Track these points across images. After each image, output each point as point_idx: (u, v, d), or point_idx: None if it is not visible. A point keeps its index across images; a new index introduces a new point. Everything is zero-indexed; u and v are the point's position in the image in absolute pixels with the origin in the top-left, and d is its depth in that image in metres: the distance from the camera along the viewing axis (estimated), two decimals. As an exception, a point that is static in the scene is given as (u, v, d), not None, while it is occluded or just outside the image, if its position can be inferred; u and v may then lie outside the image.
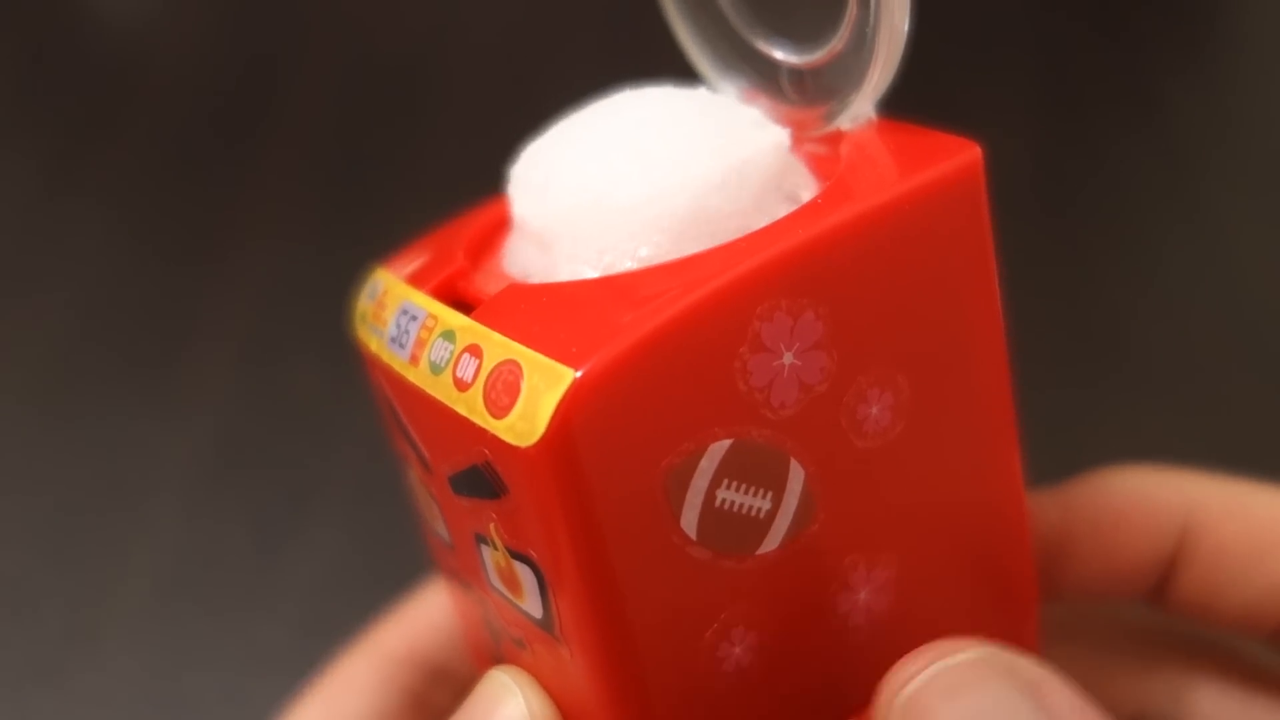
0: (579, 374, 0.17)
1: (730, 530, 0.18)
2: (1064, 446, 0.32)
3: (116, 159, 0.58)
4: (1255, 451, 0.42)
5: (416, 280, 0.21)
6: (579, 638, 0.18)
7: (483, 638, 0.22)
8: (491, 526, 0.19)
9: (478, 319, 0.19)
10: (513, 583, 0.19)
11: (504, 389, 0.17)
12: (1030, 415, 0.22)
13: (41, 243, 0.55)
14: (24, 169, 0.58)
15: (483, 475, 0.18)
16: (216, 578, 0.42)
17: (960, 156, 0.19)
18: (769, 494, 0.19)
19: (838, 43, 0.20)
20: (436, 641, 0.26)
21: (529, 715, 0.20)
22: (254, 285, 0.52)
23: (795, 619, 0.20)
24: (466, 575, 0.21)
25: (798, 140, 0.21)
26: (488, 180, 0.22)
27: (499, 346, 0.18)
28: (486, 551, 0.20)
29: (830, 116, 0.21)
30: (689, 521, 0.18)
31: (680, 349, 0.17)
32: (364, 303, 0.21)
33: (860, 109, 0.20)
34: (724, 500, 0.18)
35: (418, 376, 0.19)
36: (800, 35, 0.21)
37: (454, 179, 0.24)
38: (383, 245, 0.22)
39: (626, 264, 0.19)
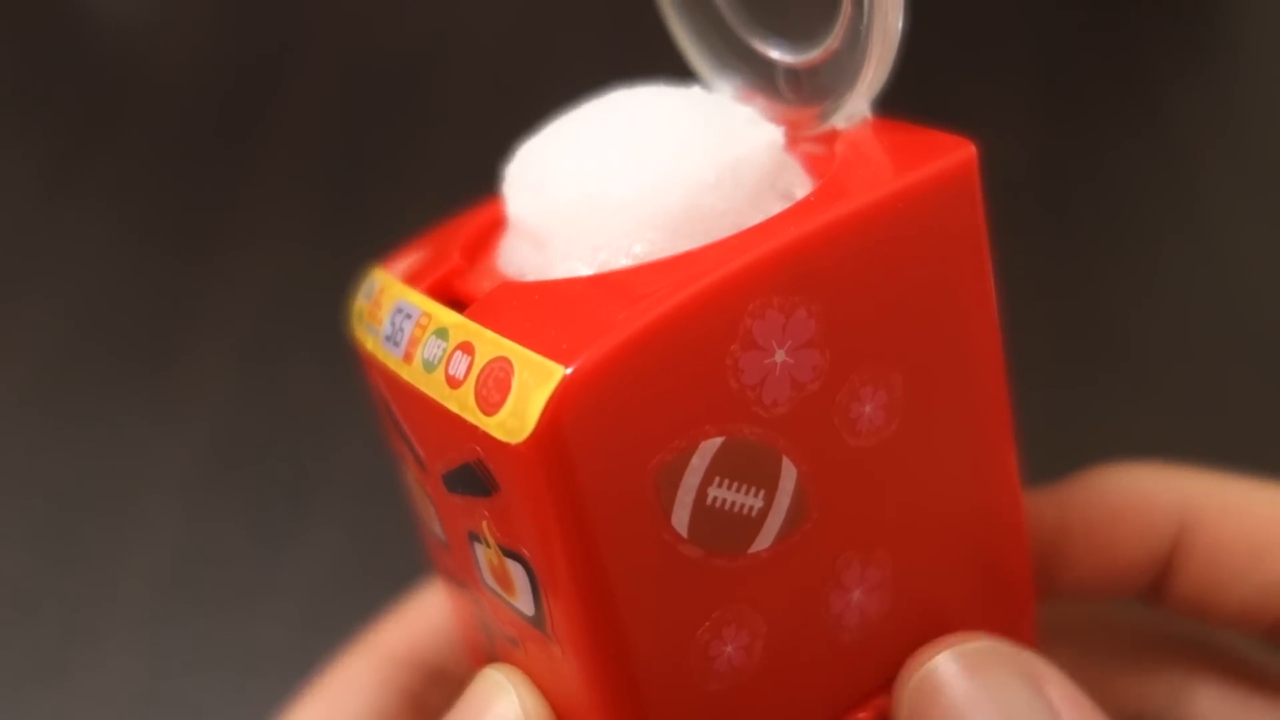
0: (569, 371, 0.17)
1: (722, 529, 0.18)
2: (1063, 446, 0.32)
3: (116, 160, 0.58)
4: (1254, 450, 0.42)
5: (412, 279, 0.21)
6: (570, 635, 0.18)
7: (478, 637, 0.22)
8: (484, 524, 0.19)
9: (470, 317, 0.19)
10: (505, 581, 0.19)
11: (495, 386, 0.17)
12: (1029, 414, 0.22)
13: (41, 243, 0.55)
14: (23, 169, 0.58)
15: (475, 473, 0.18)
16: (216, 578, 0.42)
17: (955, 155, 0.19)
18: (761, 492, 0.18)
19: (833, 42, 0.20)
20: (435, 642, 0.26)
21: (522, 713, 0.20)
22: (253, 285, 0.52)
23: (788, 618, 0.19)
24: (461, 574, 0.21)
25: (793, 139, 0.21)
26: (487, 181, 0.22)
27: (490, 344, 0.18)
28: (480, 549, 0.20)
29: (825, 115, 0.21)
30: (680, 519, 0.18)
31: (671, 346, 0.17)
32: (360, 302, 0.21)
33: (855, 108, 0.20)
34: (716, 498, 0.18)
35: (411, 374, 0.19)
36: (796, 34, 0.21)
37: (453, 179, 0.24)
38: (382, 246, 0.22)
39: (620, 262, 0.19)
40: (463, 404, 0.18)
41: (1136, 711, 0.25)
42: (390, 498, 0.26)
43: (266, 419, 0.47)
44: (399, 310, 0.20)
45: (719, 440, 0.18)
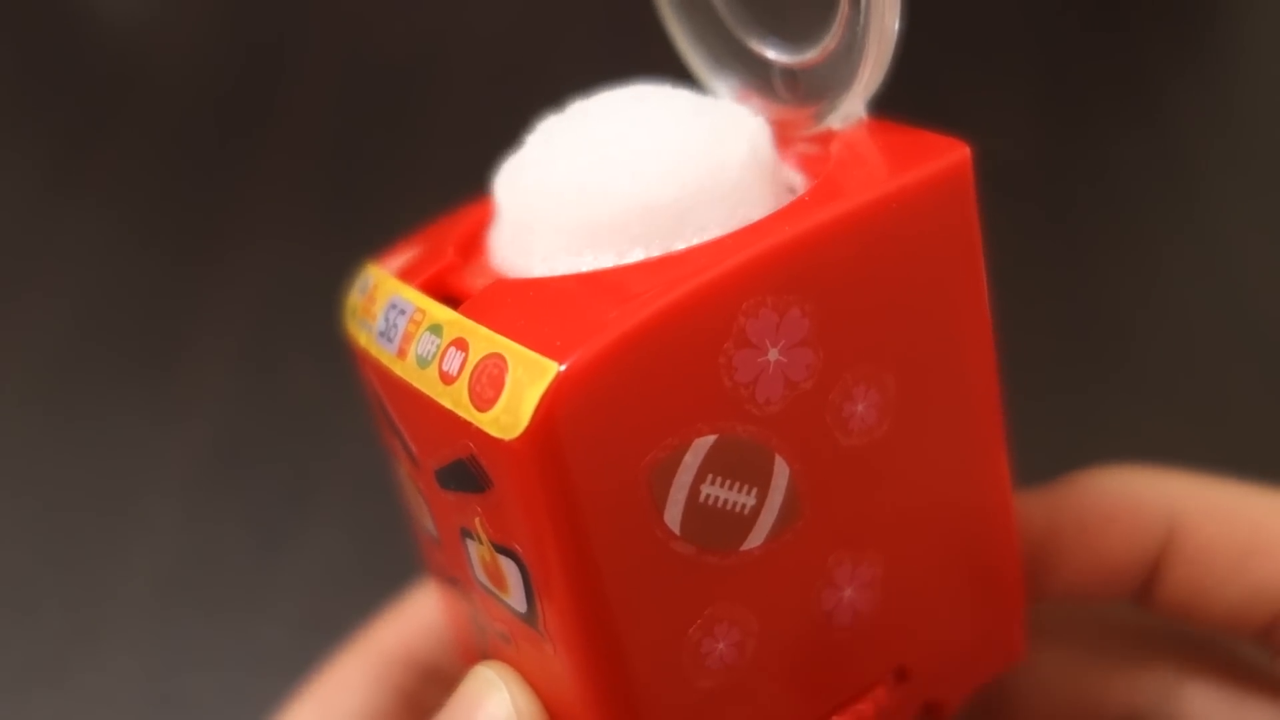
0: (563, 367, 0.17)
1: (714, 526, 0.18)
2: (1063, 448, 0.32)
3: (115, 160, 0.58)
4: (1255, 452, 0.42)
5: (406, 275, 0.21)
6: (562, 632, 0.18)
7: (469, 634, 0.22)
8: (476, 521, 0.19)
9: (465, 313, 0.19)
10: (498, 577, 0.19)
11: (488, 382, 0.17)
12: (1029, 416, 0.22)
13: (41, 243, 0.55)
14: (23, 170, 0.59)
15: (467, 469, 0.18)
16: (216, 578, 0.42)
17: (949, 156, 0.19)
18: (753, 490, 0.19)
19: (830, 42, 0.20)
20: (430, 641, 0.26)
21: (514, 710, 0.20)
22: (253, 285, 0.52)
23: (780, 616, 0.20)
24: (453, 571, 0.21)
25: (789, 139, 0.21)
26: (485, 181, 0.22)
27: (484, 340, 0.18)
28: (472, 546, 0.20)
29: (821, 116, 0.21)
30: (673, 517, 0.18)
31: (665, 344, 0.17)
32: (355, 298, 0.21)
33: (851, 108, 0.21)
34: (708, 496, 0.18)
35: (405, 370, 0.19)
36: (793, 35, 0.21)
37: (452, 180, 0.24)
38: (381, 245, 0.22)
39: (614, 260, 0.19)
40: (456, 400, 0.18)
41: (1127, 710, 0.25)
42: (390, 498, 0.26)
43: (266, 419, 0.47)
44: (393, 306, 0.20)
45: (712, 438, 0.18)
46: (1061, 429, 0.41)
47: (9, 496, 0.45)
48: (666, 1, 0.23)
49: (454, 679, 0.22)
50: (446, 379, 0.18)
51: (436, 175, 0.55)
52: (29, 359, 0.50)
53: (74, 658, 0.41)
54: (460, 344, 0.18)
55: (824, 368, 0.19)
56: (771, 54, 0.22)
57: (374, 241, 0.23)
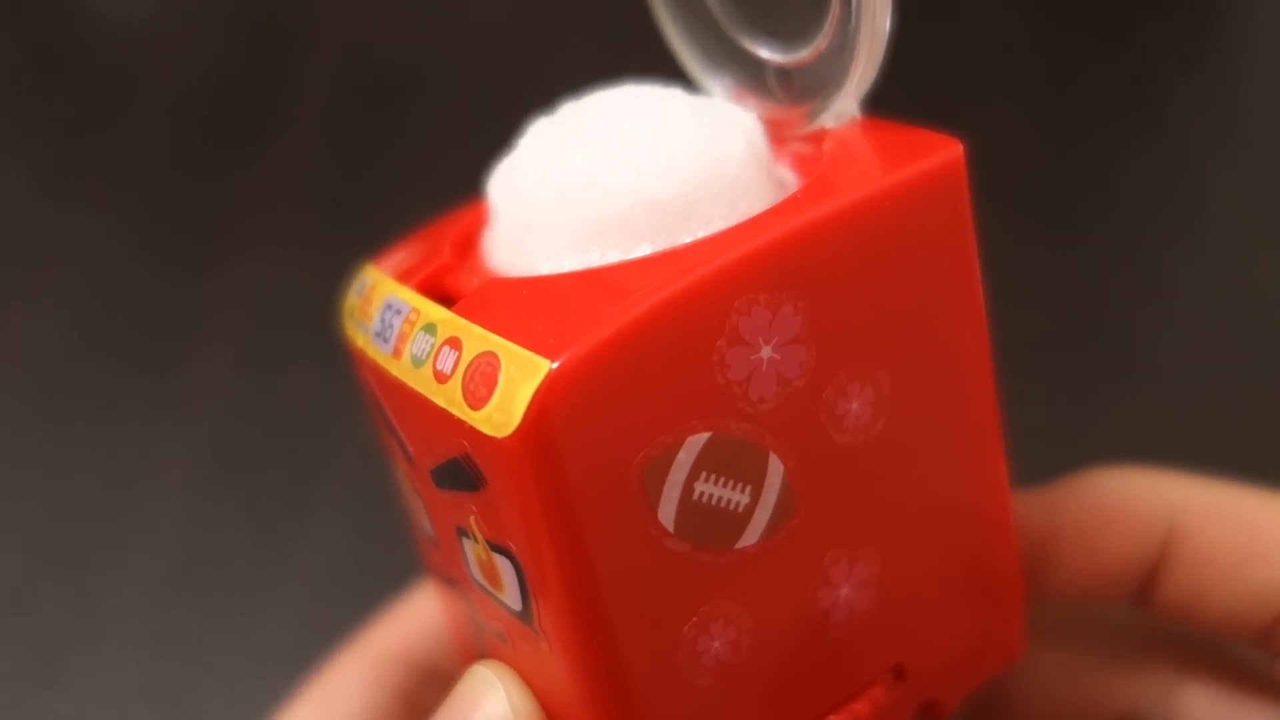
0: (555, 365, 0.17)
1: (709, 524, 0.18)
2: (1064, 450, 0.32)
3: (115, 163, 0.58)
4: (1257, 453, 0.42)
5: (402, 276, 0.21)
6: (557, 630, 0.18)
7: (467, 633, 0.22)
8: (472, 519, 0.19)
9: (458, 312, 0.19)
10: (493, 575, 0.19)
11: (482, 380, 0.17)
12: (1031, 418, 0.22)
13: (40, 246, 0.55)
14: (22, 172, 0.59)
15: (462, 467, 0.18)
16: (216, 578, 0.43)
17: (942, 153, 0.19)
18: (748, 488, 0.19)
19: (822, 41, 0.20)
20: (428, 642, 0.26)
21: (510, 710, 0.20)
22: (253, 288, 0.52)
23: (776, 614, 0.20)
24: (450, 570, 0.21)
25: (783, 138, 0.21)
26: (482, 183, 0.22)
27: (478, 339, 0.18)
28: (468, 544, 0.20)
29: (815, 114, 0.21)
30: (666, 514, 0.18)
31: (657, 341, 0.17)
32: (352, 298, 0.22)
33: (844, 107, 0.21)
34: (702, 493, 0.18)
35: (400, 369, 0.19)
36: (786, 34, 0.21)
37: (452, 183, 0.24)
38: (381, 248, 0.23)
39: (607, 258, 0.19)
40: (450, 398, 0.18)
41: (1126, 711, 0.25)
42: (388, 499, 0.26)
43: (266, 421, 0.47)
44: (389, 306, 0.20)
45: (705, 435, 0.18)
46: (1065, 437, 0.41)
47: (10, 499, 0.45)
48: (660, 2, 0.23)
49: (453, 679, 0.22)
50: (440, 378, 0.18)
51: (435, 179, 0.55)
52: (30, 362, 0.50)
53: (74, 658, 0.41)
54: (454, 343, 0.18)
55: (818, 365, 0.19)
56: (765, 53, 0.22)
57: (373, 244, 0.23)
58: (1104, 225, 0.52)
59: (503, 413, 0.17)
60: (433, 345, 0.19)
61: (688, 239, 0.19)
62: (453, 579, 0.22)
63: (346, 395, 0.27)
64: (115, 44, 0.66)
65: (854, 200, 0.19)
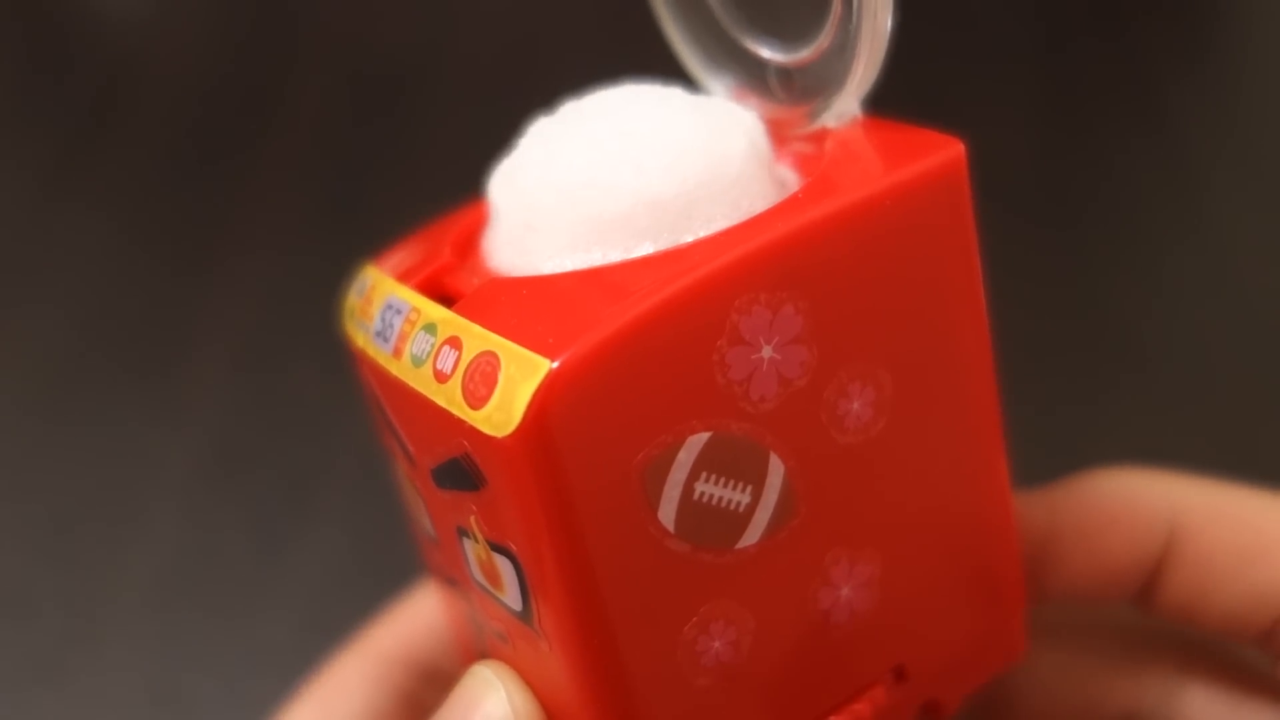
0: (555, 365, 0.17)
1: (709, 524, 0.18)
2: (1065, 451, 0.32)
3: (115, 163, 0.58)
4: (1259, 455, 0.42)
5: (403, 275, 0.21)
6: (558, 630, 0.18)
7: (468, 633, 0.22)
8: (472, 519, 0.19)
9: (459, 311, 0.19)
10: (493, 575, 0.19)
11: (482, 380, 0.17)
12: (1036, 429, 0.22)
13: (40, 248, 0.55)
14: (21, 174, 0.59)
15: (462, 467, 0.18)
16: (216, 579, 0.43)
17: (944, 153, 0.19)
18: (748, 488, 0.19)
19: (823, 41, 0.20)
20: (429, 642, 0.26)
21: (511, 710, 0.20)
22: (253, 289, 0.52)
23: (776, 614, 0.20)
24: (451, 570, 0.21)
25: (784, 138, 0.21)
26: (483, 184, 0.22)
27: (478, 338, 0.18)
28: (468, 544, 0.20)
29: (816, 114, 0.21)
30: (667, 514, 0.18)
31: (658, 341, 0.17)
32: (352, 298, 0.22)
33: (845, 106, 0.21)
34: (702, 493, 0.18)
35: (400, 369, 0.19)
36: (787, 34, 0.21)
37: (453, 182, 0.24)
38: (381, 249, 0.23)
39: (607, 257, 0.19)
40: (450, 398, 0.18)
41: (1127, 712, 0.25)
42: (389, 499, 0.26)
43: (266, 421, 0.47)
44: (389, 306, 0.20)
45: (706, 435, 0.18)
46: (1069, 440, 0.41)
47: (10, 500, 0.45)
48: (662, 1, 0.23)
49: (453, 679, 0.22)
50: (440, 377, 0.18)
51: (435, 180, 0.54)
52: (30, 363, 0.50)
53: (74, 658, 0.41)
54: (454, 342, 0.18)
55: (818, 365, 0.19)
56: (766, 53, 0.22)
57: (373, 244, 0.23)
58: (1105, 226, 0.52)
59: (503, 412, 0.17)
60: (433, 345, 0.19)
61: (689, 238, 0.19)
62: (453, 579, 0.22)
63: (346, 395, 0.27)
64: (115, 44, 0.66)
65: (855, 200, 0.19)
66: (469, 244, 0.22)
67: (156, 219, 0.56)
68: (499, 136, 0.22)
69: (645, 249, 0.19)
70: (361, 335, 0.21)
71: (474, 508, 0.19)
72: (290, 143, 0.59)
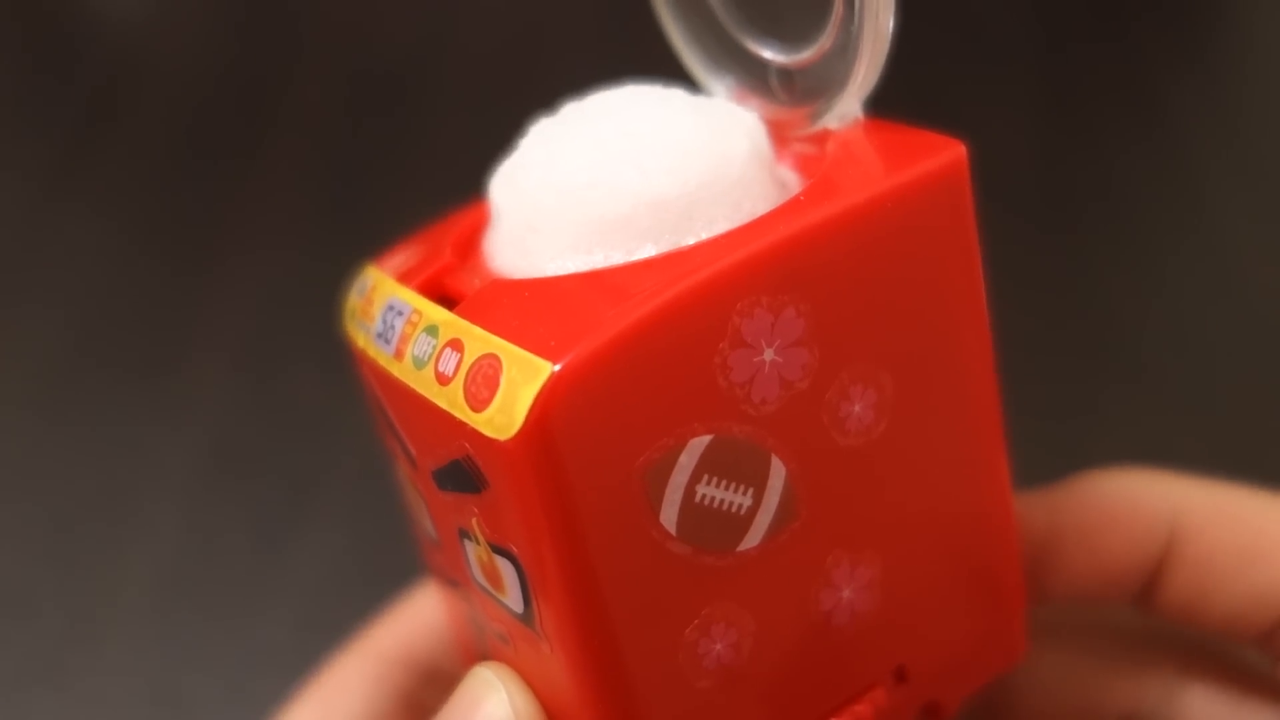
0: (557, 367, 0.17)
1: (711, 526, 0.18)
2: (1066, 451, 0.32)
3: (114, 163, 0.58)
4: (1260, 455, 0.42)
5: (404, 277, 0.21)
6: (559, 632, 0.18)
7: (469, 634, 0.22)
8: (474, 521, 0.19)
9: (460, 314, 0.19)
10: (494, 577, 0.19)
11: (484, 382, 0.17)
12: (1037, 432, 0.22)
13: (39, 248, 0.55)
14: (20, 174, 0.59)
15: (464, 469, 0.18)
16: (216, 579, 0.43)
17: (945, 154, 0.19)
18: (750, 490, 0.19)
19: (825, 42, 0.20)
20: (429, 642, 0.26)
21: (512, 711, 0.20)
22: (253, 289, 0.52)
23: (778, 616, 0.20)
24: (452, 571, 0.21)
25: (786, 139, 0.21)
26: (484, 184, 0.22)
27: (480, 341, 0.18)
28: (470, 546, 0.20)
29: (818, 115, 0.21)
30: (668, 517, 0.18)
31: (659, 344, 0.17)
32: (353, 299, 0.22)
33: (847, 108, 0.21)
34: (704, 496, 0.18)
35: (402, 371, 0.19)
36: (789, 35, 0.21)
37: (454, 183, 0.24)
38: (381, 249, 0.23)
39: (609, 259, 0.19)
40: (452, 400, 0.18)
41: (1128, 712, 0.25)
42: (390, 500, 0.26)
43: (266, 422, 0.47)
44: (390, 307, 0.20)
45: (707, 438, 0.18)
46: (1069, 441, 0.41)
47: (10, 500, 0.45)
48: (663, 2, 0.23)
49: (454, 680, 0.22)
50: (442, 380, 0.18)
51: (435, 181, 0.55)
52: (30, 363, 0.50)
53: (74, 658, 0.41)
54: (456, 345, 0.18)
55: (820, 367, 0.19)
56: (768, 54, 0.22)
57: (373, 245, 0.23)
58: (1106, 228, 0.52)
59: (504, 415, 0.17)
60: (435, 347, 0.19)
61: (691, 239, 0.19)
62: (455, 580, 0.22)
63: (347, 397, 0.27)
64: (115, 44, 0.66)
65: (856, 202, 0.19)
66: (470, 245, 0.22)
67: (156, 219, 0.56)
68: (500, 137, 0.22)
69: (647, 250, 0.19)
70: (362, 336, 0.21)
71: (476, 510, 0.19)
72: (290, 143, 0.59)
